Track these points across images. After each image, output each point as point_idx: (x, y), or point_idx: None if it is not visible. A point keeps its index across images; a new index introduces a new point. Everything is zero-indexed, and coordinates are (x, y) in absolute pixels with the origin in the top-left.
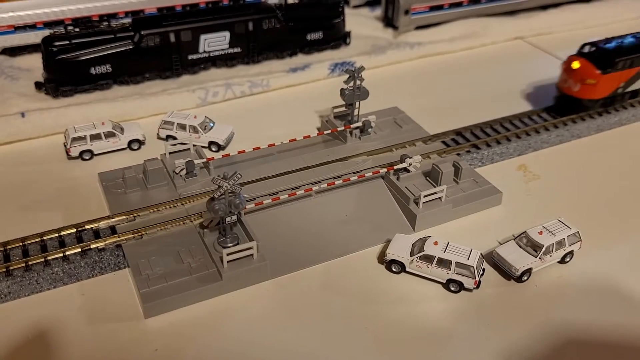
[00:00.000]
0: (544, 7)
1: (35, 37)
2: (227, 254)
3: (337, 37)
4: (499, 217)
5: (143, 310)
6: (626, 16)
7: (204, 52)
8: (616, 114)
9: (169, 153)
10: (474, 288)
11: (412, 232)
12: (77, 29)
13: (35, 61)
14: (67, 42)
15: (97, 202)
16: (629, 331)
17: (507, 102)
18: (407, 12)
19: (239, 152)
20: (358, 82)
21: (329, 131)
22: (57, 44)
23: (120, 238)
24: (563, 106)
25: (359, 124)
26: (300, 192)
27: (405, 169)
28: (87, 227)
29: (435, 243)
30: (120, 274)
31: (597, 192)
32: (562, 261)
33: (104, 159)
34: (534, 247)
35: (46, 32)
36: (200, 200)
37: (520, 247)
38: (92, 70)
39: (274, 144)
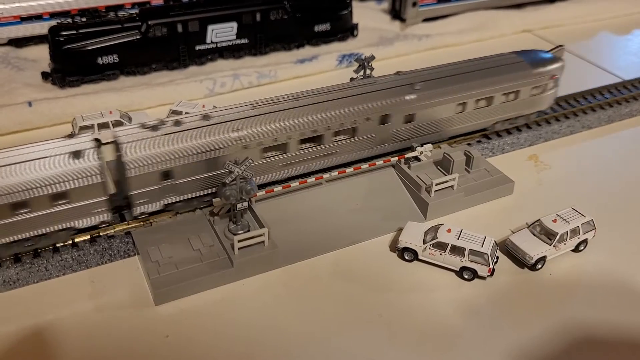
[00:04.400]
0: (552, 0)
1: (41, 28)
2: (238, 241)
3: (345, 29)
4: (511, 206)
5: (153, 297)
6: (634, 10)
7: (211, 42)
8: (627, 105)
9: None
10: (488, 276)
11: (423, 221)
12: (84, 19)
13: (41, 52)
14: (74, 32)
15: None
16: None
17: None
18: (414, 4)
19: None
20: (368, 72)
21: None
22: (64, 33)
23: (130, 225)
24: None
25: None
26: (311, 180)
27: (416, 158)
28: None
29: (449, 230)
30: (130, 261)
31: (608, 183)
32: (576, 250)
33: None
34: (548, 235)
35: (53, 23)
36: None
37: (534, 235)
38: (99, 60)
39: None
